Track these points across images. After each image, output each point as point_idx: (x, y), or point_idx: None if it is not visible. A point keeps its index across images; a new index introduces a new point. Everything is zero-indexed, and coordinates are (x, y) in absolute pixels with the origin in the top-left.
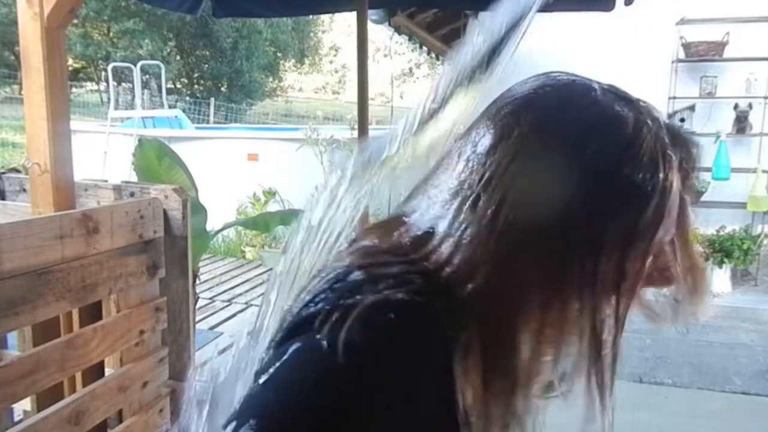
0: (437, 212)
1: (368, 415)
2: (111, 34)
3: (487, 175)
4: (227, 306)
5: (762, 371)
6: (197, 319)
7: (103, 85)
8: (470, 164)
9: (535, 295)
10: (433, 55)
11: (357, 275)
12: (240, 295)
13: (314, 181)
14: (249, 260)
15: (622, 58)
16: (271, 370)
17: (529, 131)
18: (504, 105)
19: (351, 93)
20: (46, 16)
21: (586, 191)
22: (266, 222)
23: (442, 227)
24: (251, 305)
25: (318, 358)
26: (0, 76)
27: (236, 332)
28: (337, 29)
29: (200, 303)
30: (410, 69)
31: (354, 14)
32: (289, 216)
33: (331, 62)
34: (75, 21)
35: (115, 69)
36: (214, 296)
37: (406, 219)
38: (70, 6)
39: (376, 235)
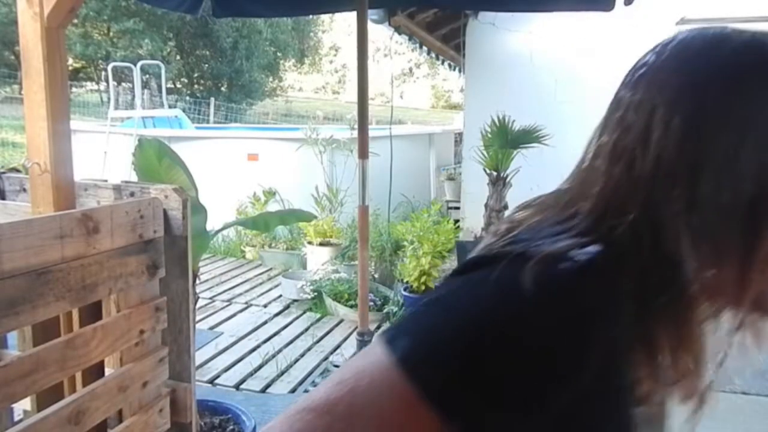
0: (600, 179)
1: (524, 353)
2: (111, 33)
3: (645, 133)
4: (227, 306)
5: (762, 371)
6: (197, 318)
7: (103, 85)
8: (623, 127)
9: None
10: (433, 54)
11: (542, 231)
12: (240, 295)
13: (314, 181)
14: (249, 260)
15: (622, 57)
16: (439, 295)
17: (680, 82)
18: (641, 67)
19: (351, 93)
20: (46, 15)
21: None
22: (266, 222)
23: (609, 194)
24: (251, 305)
25: (488, 291)
26: (0, 76)
27: (236, 332)
28: (337, 29)
29: (200, 303)
30: (410, 69)
31: (354, 14)
32: (289, 216)
33: (331, 62)
34: (75, 21)
35: (115, 69)
36: (214, 296)
37: (581, 189)
38: (70, 6)
39: (553, 206)
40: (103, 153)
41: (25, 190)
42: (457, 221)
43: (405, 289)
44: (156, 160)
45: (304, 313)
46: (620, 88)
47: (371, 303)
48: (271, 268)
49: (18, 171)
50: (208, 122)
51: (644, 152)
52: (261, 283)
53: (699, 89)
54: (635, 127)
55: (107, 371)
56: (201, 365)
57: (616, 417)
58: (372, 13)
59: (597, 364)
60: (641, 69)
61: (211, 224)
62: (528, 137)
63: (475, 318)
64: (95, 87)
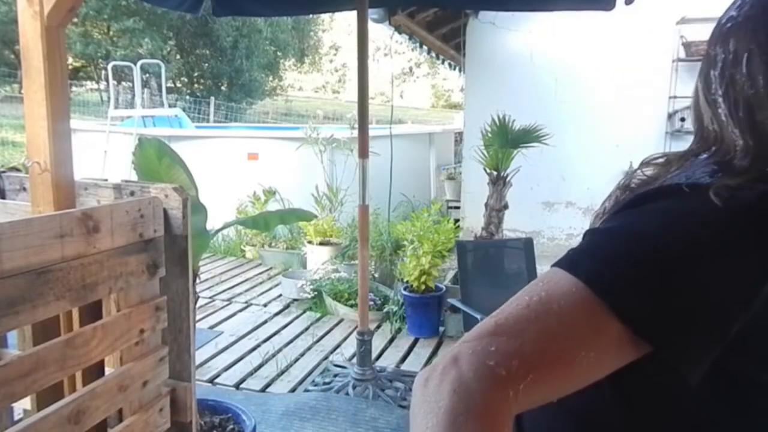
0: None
1: (723, 266)
2: (111, 32)
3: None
4: (227, 305)
5: None
6: (197, 318)
7: (103, 84)
8: (727, 80)
9: None
10: (433, 54)
11: (696, 171)
12: (240, 294)
13: (314, 181)
14: (249, 259)
15: (623, 57)
16: (609, 227)
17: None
18: (727, 22)
19: (351, 92)
20: (46, 14)
21: None
22: (266, 221)
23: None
24: (251, 304)
25: (679, 216)
26: (0, 75)
27: (236, 331)
28: (337, 28)
29: (200, 302)
30: (410, 68)
31: (354, 13)
32: (289, 215)
33: (331, 61)
34: (75, 20)
35: (115, 68)
36: (214, 295)
37: (719, 139)
38: (70, 5)
39: (680, 159)
40: (103, 152)
41: (25, 189)
42: (457, 221)
43: (405, 289)
44: (156, 159)
45: (304, 312)
46: (709, 48)
47: (371, 302)
48: (271, 268)
49: (18, 170)
50: (208, 121)
51: (758, 98)
52: (261, 283)
53: None
54: (738, 76)
55: (107, 371)
56: (201, 364)
57: None
58: (372, 13)
59: None
60: (727, 24)
61: (211, 223)
62: (528, 137)
63: (669, 238)
64: (95, 86)
